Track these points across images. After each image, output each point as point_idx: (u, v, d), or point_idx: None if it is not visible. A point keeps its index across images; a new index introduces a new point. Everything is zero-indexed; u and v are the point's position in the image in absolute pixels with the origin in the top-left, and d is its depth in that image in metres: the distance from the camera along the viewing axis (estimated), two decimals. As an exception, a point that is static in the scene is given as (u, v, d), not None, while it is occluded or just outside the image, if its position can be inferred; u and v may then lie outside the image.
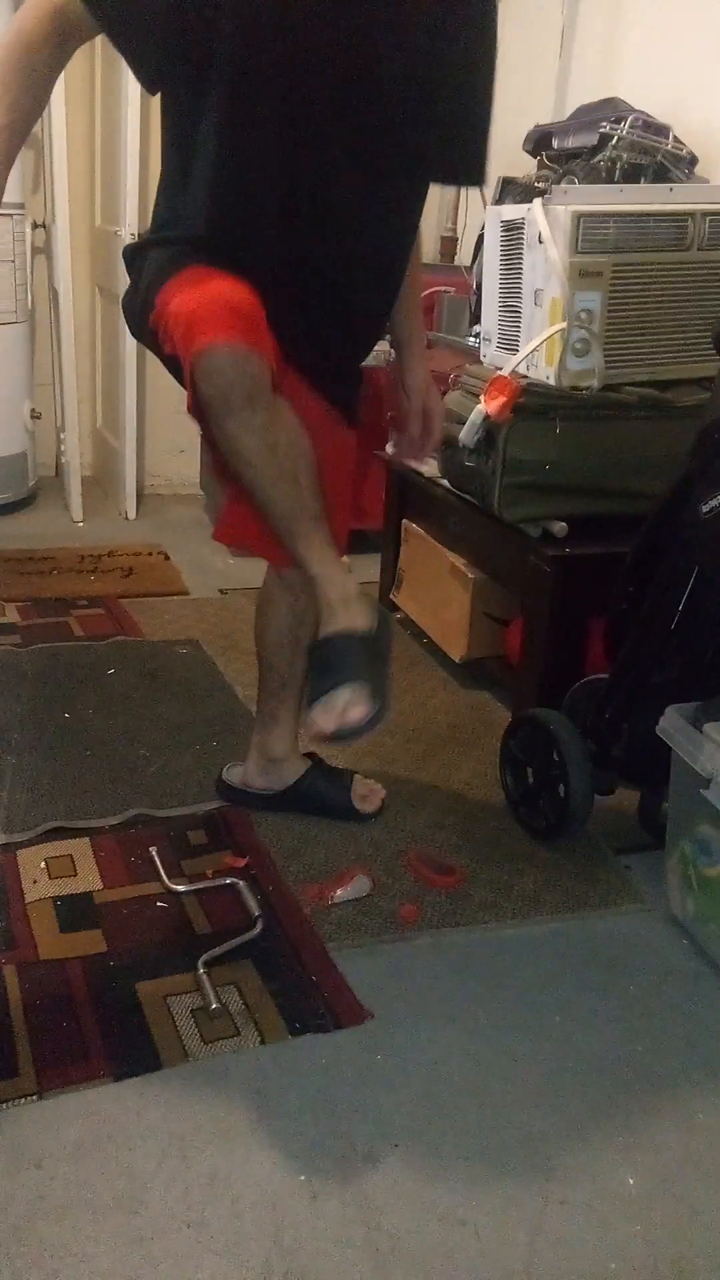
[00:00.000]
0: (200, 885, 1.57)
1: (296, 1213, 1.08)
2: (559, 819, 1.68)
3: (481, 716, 2.20)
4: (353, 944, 1.47)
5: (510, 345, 2.07)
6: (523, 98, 2.93)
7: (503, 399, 1.89)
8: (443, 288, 2.94)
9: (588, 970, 1.47)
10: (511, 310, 2.06)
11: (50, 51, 1.24)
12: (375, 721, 1.24)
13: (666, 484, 1.54)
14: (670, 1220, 1.11)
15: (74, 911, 1.49)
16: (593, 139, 2.28)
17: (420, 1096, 1.24)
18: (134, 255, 1.41)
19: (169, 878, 1.57)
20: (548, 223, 1.87)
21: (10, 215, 3.13)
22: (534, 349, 1.93)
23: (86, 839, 1.67)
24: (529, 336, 1.98)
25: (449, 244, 3.45)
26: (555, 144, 2.42)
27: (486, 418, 1.93)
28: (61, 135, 3.06)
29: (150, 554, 3.13)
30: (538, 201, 1.90)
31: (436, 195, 3.23)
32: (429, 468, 2.27)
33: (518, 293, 2.02)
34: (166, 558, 3.11)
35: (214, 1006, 1.33)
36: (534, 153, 2.48)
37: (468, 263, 2.88)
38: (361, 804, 1.77)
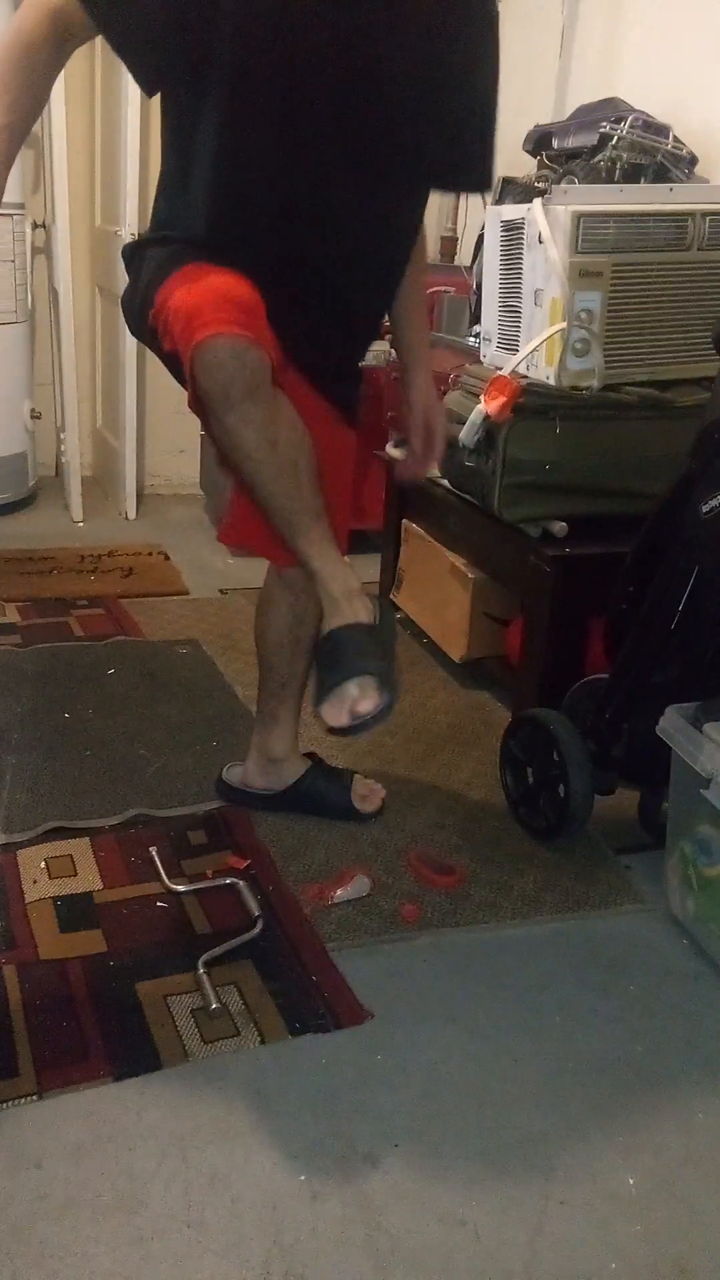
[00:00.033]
0: (200, 885, 1.57)
1: (296, 1213, 1.08)
2: (559, 819, 1.68)
3: (481, 716, 2.20)
4: (353, 944, 1.47)
5: (510, 345, 2.07)
6: (523, 98, 2.93)
7: (503, 399, 1.89)
8: (443, 288, 2.93)
9: (588, 970, 1.47)
10: (511, 310, 2.06)
11: (49, 52, 1.24)
12: (386, 711, 1.23)
13: (666, 484, 1.54)
14: (670, 1220, 1.11)
15: (74, 911, 1.49)
16: (593, 139, 2.28)
17: (420, 1096, 1.24)
18: (133, 254, 1.41)
19: (169, 878, 1.57)
20: (548, 223, 1.87)
21: (10, 215, 3.13)
22: (534, 349, 1.93)
23: (86, 839, 1.67)
24: (529, 336, 1.98)
25: (449, 244, 3.45)
26: (555, 144, 2.42)
27: (486, 418, 1.93)
28: (61, 135, 3.06)
29: (150, 554, 3.13)
30: (538, 201, 1.90)
31: (436, 195, 3.22)
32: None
33: (518, 293, 2.02)
34: (166, 558, 3.11)
35: (214, 1006, 1.33)
36: (534, 153, 2.48)
37: (468, 263, 2.88)
38: (361, 804, 1.77)
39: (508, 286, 2.06)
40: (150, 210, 1.44)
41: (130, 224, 3.15)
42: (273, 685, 1.72)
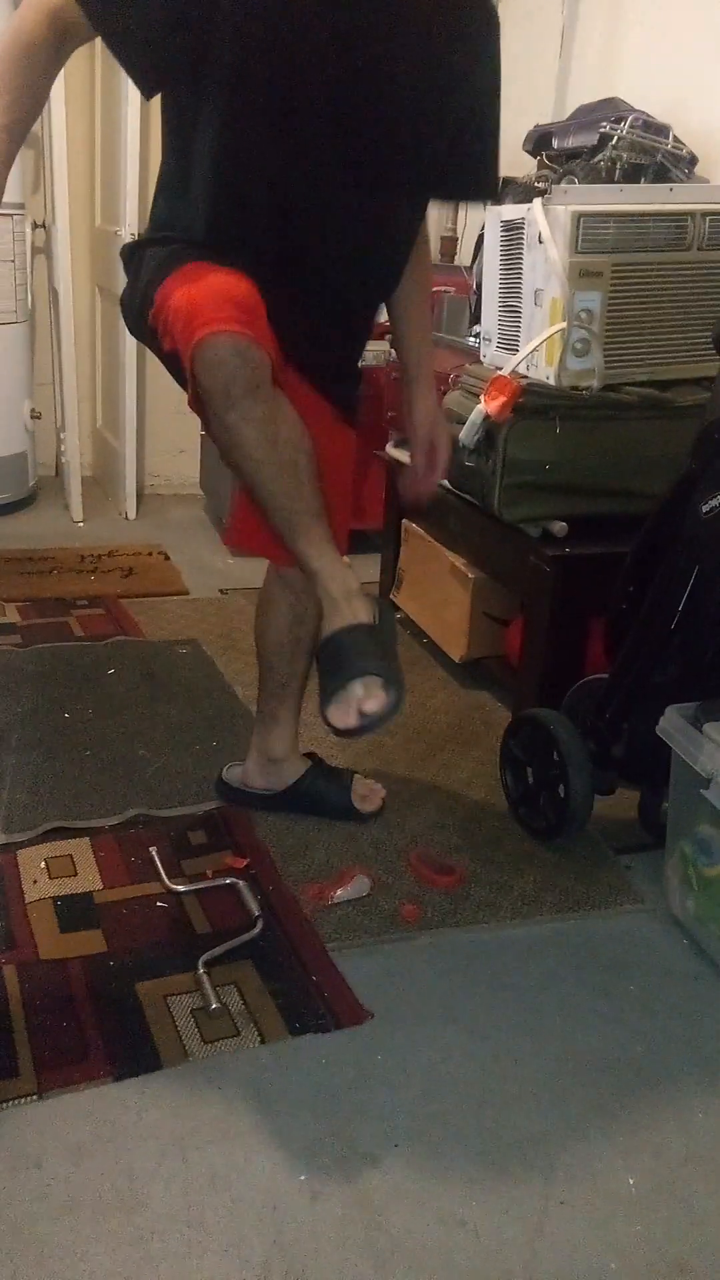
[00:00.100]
0: (200, 885, 1.57)
1: (296, 1213, 1.08)
2: (559, 819, 1.68)
3: (481, 716, 2.20)
4: (353, 944, 1.47)
5: (510, 345, 2.07)
6: (523, 98, 2.93)
7: (503, 399, 1.89)
8: (443, 288, 2.93)
9: (588, 970, 1.47)
10: (511, 310, 2.06)
11: (49, 52, 1.24)
12: (394, 709, 1.23)
13: (666, 484, 1.54)
14: (670, 1220, 1.11)
15: (74, 911, 1.49)
16: (593, 139, 2.28)
17: (420, 1096, 1.24)
18: (132, 253, 1.41)
19: (169, 878, 1.57)
20: (548, 223, 1.87)
21: (10, 215, 3.13)
22: (534, 349, 1.93)
23: (86, 839, 1.67)
24: (529, 336, 1.98)
25: (449, 244, 3.44)
26: (555, 144, 2.42)
27: (486, 418, 1.93)
28: (61, 135, 3.06)
29: (150, 554, 3.13)
30: (538, 201, 1.90)
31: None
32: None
33: (518, 293, 2.02)
34: (166, 558, 3.11)
35: (214, 1006, 1.33)
36: (534, 153, 2.48)
37: (468, 263, 2.88)
38: (361, 804, 1.76)
39: (508, 286, 2.07)
40: (149, 210, 1.44)
41: (130, 224, 3.16)
42: (273, 685, 1.72)
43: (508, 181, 2.42)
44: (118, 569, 2.97)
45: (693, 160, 2.28)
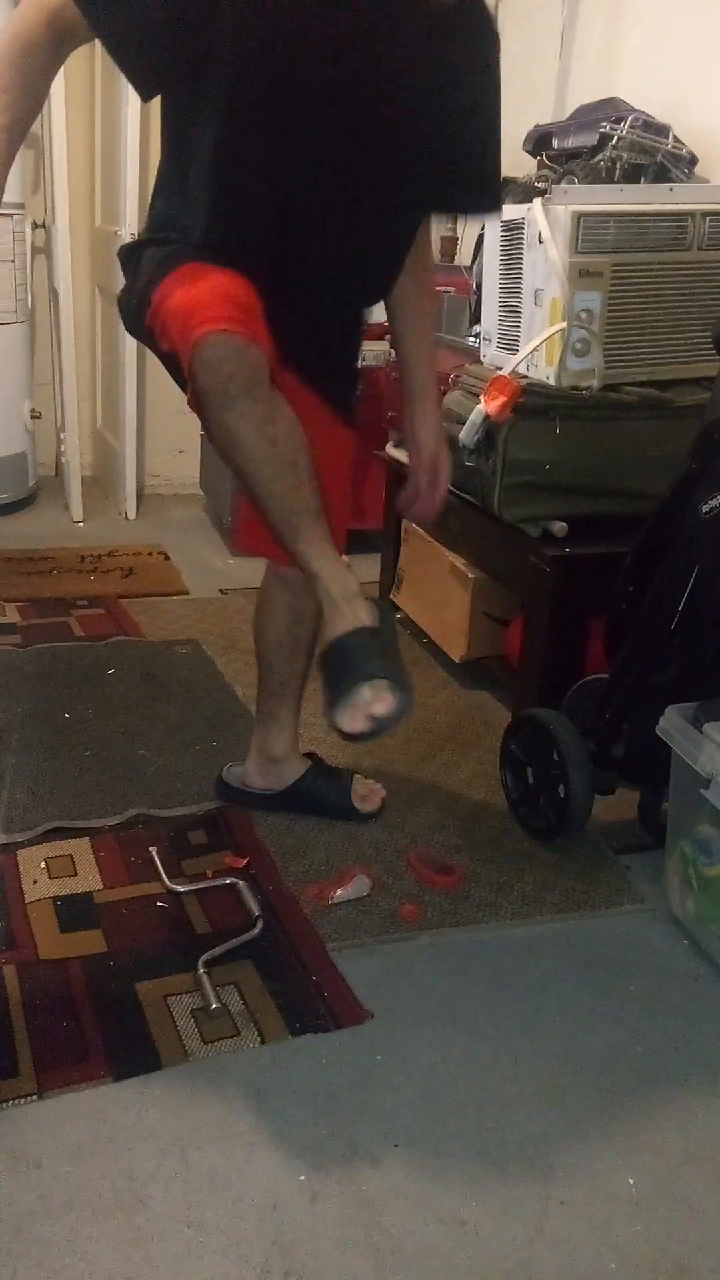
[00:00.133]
0: (200, 885, 1.57)
1: (296, 1213, 1.08)
2: (559, 819, 1.68)
3: (481, 716, 2.20)
4: (353, 944, 1.47)
5: (510, 345, 2.07)
6: (523, 98, 2.93)
7: (503, 399, 1.89)
8: (443, 288, 2.93)
9: (588, 970, 1.47)
10: (511, 310, 2.06)
11: (48, 52, 1.24)
12: (404, 710, 1.23)
13: (666, 484, 1.54)
14: (670, 1220, 1.11)
15: (74, 911, 1.49)
16: (593, 139, 2.28)
17: (420, 1096, 1.24)
18: (130, 254, 1.41)
19: (169, 878, 1.57)
20: (548, 223, 1.87)
21: (10, 215, 3.13)
22: (534, 349, 1.93)
23: (86, 839, 1.67)
24: (529, 336, 1.98)
25: (449, 244, 3.44)
26: (555, 144, 2.42)
27: (486, 418, 1.93)
28: (61, 135, 3.06)
29: (150, 554, 3.13)
30: (538, 201, 1.90)
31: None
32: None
33: (518, 293, 2.02)
34: (166, 558, 3.11)
35: (214, 1006, 1.33)
36: (534, 153, 2.48)
37: (468, 263, 2.88)
38: (361, 804, 1.76)
39: (508, 286, 2.07)
40: (148, 210, 1.44)
41: (130, 224, 3.16)
42: (272, 685, 1.72)
43: (508, 181, 2.42)
44: (118, 569, 2.97)
45: (693, 160, 2.28)
